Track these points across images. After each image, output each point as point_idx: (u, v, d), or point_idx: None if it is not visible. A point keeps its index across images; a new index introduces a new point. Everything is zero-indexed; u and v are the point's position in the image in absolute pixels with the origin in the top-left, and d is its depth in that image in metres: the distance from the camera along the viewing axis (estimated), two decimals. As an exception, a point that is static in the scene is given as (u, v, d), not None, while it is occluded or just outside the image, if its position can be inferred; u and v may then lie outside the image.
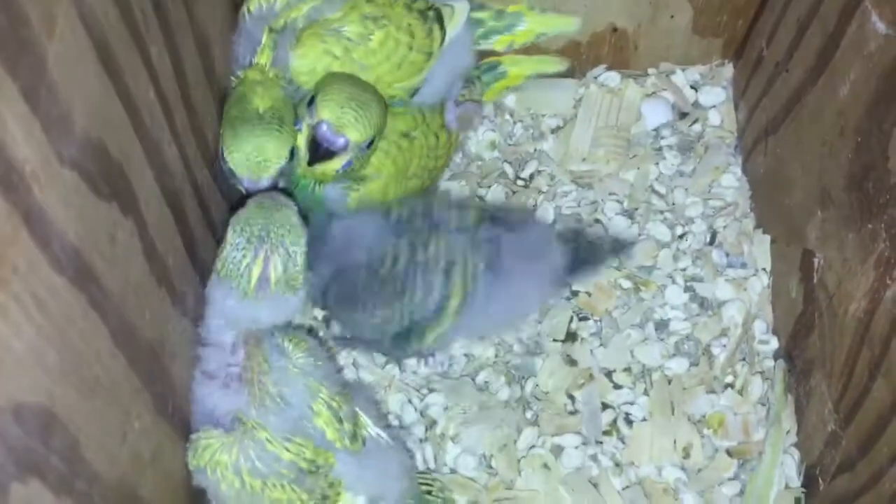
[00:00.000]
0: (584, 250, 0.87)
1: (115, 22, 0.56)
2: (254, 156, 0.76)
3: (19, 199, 0.44)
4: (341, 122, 0.77)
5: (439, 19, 0.88)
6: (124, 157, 0.58)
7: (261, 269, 0.69)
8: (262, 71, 0.82)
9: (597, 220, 0.96)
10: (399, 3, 0.86)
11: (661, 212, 0.97)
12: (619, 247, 0.92)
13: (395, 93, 0.86)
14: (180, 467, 0.71)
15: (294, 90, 0.82)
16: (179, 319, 0.72)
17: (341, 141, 0.77)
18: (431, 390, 0.88)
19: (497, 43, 0.95)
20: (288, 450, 0.70)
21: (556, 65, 0.99)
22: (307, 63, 0.81)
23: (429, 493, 0.81)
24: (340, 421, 0.73)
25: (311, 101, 0.78)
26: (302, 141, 0.79)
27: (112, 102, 0.56)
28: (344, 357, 0.90)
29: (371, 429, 0.78)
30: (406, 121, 0.87)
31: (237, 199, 0.87)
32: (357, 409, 0.77)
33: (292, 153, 0.78)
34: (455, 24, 0.90)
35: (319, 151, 0.78)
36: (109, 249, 0.56)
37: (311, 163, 0.79)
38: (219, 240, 0.83)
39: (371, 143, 0.79)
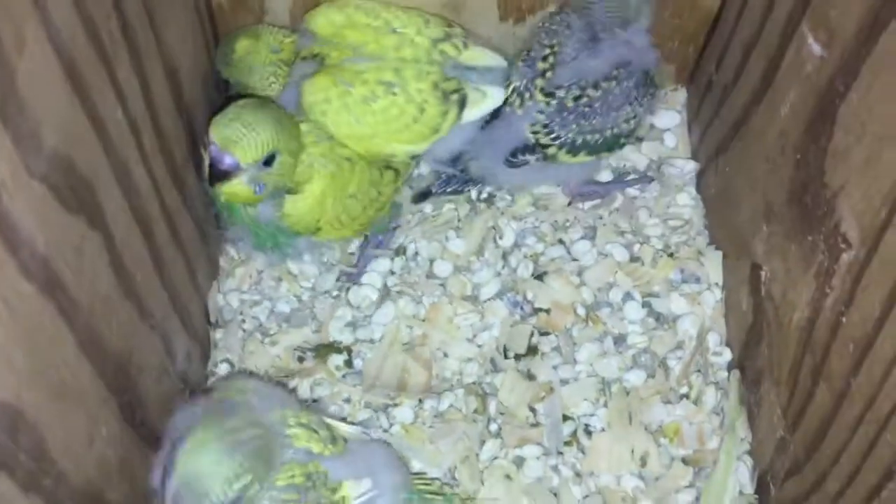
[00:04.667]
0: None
1: (82, 43, 0.59)
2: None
3: (-12, 207, 0.47)
4: (226, 141, 0.77)
5: (461, 104, 0.90)
6: (92, 174, 0.61)
7: None
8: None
9: (560, 240, 0.99)
10: (428, 79, 0.88)
11: (622, 232, 1.00)
12: None
13: (394, 151, 0.89)
14: (147, 477, 0.73)
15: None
16: (148, 334, 0.74)
17: (228, 160, 0.78)
18: (396, 405, 0.90)
19: None
20: (279, 479, 0.71)
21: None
22: (308, 97, 0.86)
23: (430, 492, 0.82)
24: (315, 431, 0.75)
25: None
26: (205, 162, 0.81)
27: (80, 120, 0.59)
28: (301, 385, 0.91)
29: (344, 428, 0.80)
30: (352, 152, 0.89)
31: (206, 226, 0.89)
32: (323, 417, 0.79)
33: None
34: (480, 110, 0.91)
35: (214, 172, 0.79)
36: (77, 260, 0.58)
37: (211, 183, 0.80)
38: (188, 261, 0.86)
39: (271, 160, 0.79)
